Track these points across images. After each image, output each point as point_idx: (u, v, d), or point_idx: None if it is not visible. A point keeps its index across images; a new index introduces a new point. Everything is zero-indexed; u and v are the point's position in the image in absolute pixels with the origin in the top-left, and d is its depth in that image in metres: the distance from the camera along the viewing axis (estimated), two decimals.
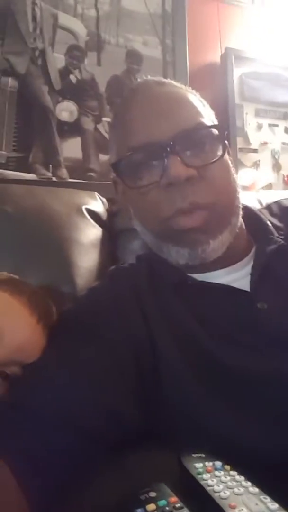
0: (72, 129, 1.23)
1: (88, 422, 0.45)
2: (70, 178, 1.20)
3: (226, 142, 0.56)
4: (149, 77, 0.61)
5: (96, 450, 0.46)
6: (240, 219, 0.59)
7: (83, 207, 0.82)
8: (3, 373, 0.51)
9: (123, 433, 0.47)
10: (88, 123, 1.25)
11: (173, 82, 0.60)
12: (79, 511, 0.42)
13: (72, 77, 1.27)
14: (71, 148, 1.22)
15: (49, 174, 1.18)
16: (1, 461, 0.40)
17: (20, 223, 0.74)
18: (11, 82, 1.19)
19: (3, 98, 1.17)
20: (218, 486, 0.38)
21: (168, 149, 0.52)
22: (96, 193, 0.90)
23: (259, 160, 1.52)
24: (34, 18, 1.23)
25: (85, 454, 0.45)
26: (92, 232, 0.80)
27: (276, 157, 1.55)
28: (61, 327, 0.56)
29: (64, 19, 1.28)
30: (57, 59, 1.25)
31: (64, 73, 1.26)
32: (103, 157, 1.24)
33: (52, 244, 0.74)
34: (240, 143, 1.49)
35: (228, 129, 1.39)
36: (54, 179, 1.19)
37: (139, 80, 0.62)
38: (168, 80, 0.61)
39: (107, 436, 0.46)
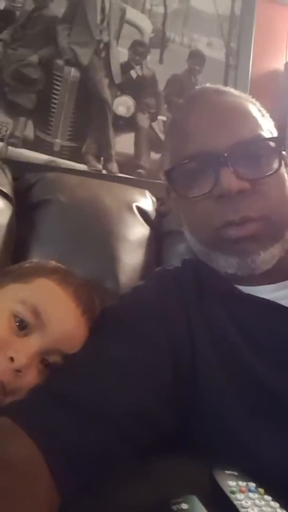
0: (127, 124, 1.23)
1: (121, 420, 0.45)
2: (120, 173, 1.20)
3: (283, 153, 0.55)
4: (208, 84, 0.60)
5: (126, 450, 0.46)
6: None
7: (134, 205, 0.82)
8: (44, 360, 0.52)
9: (153, 436, 0.47)
10: (143, 120, 1.25)
11: (232, 90, 0.59)
12: None
13: (133, 72, 1.27)
14: (123, 143, 1.22)
15: (100, 167, 1.19)
16: (34, 446, 0.41)
17: (72, 214, 0.74)
18: (73, 72, 1.21)
19: (64, 87, 1.19)
20: (253, 510, 0.37)
21: (222, 159, 0.50)
22: (147, 192, 0.89)
23: None
24: (103, 10, 1.24)
25: (115, 452, 0.45)
26: (140, 231, 0.80)
27: None
28: (105, 323, 0.56)
29: (132, 14, 1.28)
30: (120, 53, 1.26)
31: (126, 67, 1.26)
32: (155, 156, 1.23)
33: (100, 238, 0.74)
34: None
35: (286, 140, 1.36)
36: (104, 172, 1.19)
37: (197, 87, 0.61)
38: (227, 89, 0.59)
39: (138, 437, 0.46)
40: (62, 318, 0.52)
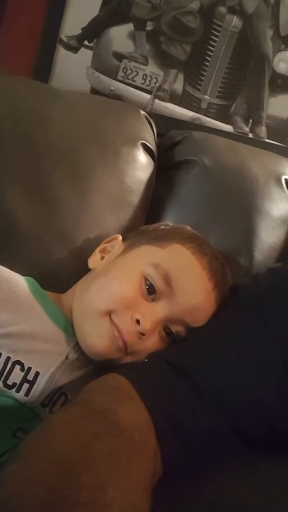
0: (286, 83, 1.10)
1: (238, 409, 0.43)
2: (269, 139, 1.10)
3: None
4: None
5: (238, 440, 0.43)
6: None
7: (283, 177, 0.73)
8: (167, 328, 0.51)
9: (269, 431, 0.44)
10: None
11: None
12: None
13: None
14: (278, 106, 1.10)
15: (247, 130, 1.10)
16: (147, 414, 0.40)
17: (215, 178, 0.70)
18: (235, 21, 1.10)
19: (223, 38, 1.10)
20: None
21: None
22: None
23: None
24: None
25: (226, 439, 0.43)
26: (285, 207, 0.72)
27: None
28: (236, 302, 0.52)
29: None
30: None
31: None
32: None
33: (241, 208, 0.69)
34: None
35: None
36: (250, 135, 1.10)
37: None
38: None
39: (253, 430, 0.44)
40: (193, 289, 0.50)
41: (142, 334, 0.48)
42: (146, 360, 0.47)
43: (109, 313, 0.49)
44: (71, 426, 0.37)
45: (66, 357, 0.50)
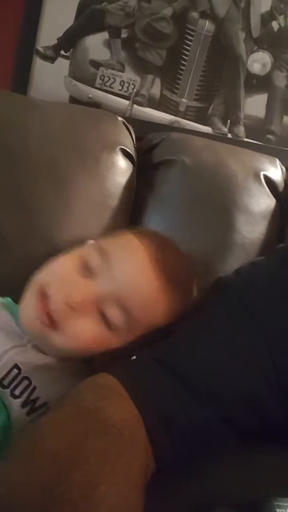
0: (260, 83, 1.12)
1: (228, 401, 0.43)
2: (247, 137, 1.11)
3: None
4: None
5: (230, 433, 0.44)
6: None
7: (261, 173, 0.75)
8: (101, 310, 0.47)
9: (261, 423, 0.44)
10: (280, 79, 1.13)
11: None
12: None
13: (274, 24, 1.14)
14: (254, 105, 1.12)
15: (225, 130, 1.12)
16: (136, 410, 0.40)
17: (195, 176, 0.71)
18: (207, 25, 1.12)
19: (196, 42, 1.12)
20: None
21: None
22: (277, 160, 0.81)
23: None
24: None
25: (218, 432, 0.43)
26: (265, 202, 0.74)
27: None
28: (220, 296, 0.52)
29: None
30: (263, 2, 1.13)
31: (267, 18, 1.13)
32: None
33: (221, 205, 0.70)
34: None
35: None
36: (229, 135, 1.12)
37: None
38: None
39: (244, 422, 0.44)
40: (132, 270, 0.48)
41: (72, 308, 0.46)
42: (134, 358, 0.46)
43: (44, 287, 0.48)
44: (61, 426, 0.37)
45: (26, 343, 0.50)
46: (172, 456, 0.41)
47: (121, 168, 0.75)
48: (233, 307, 0.50)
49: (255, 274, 0.55)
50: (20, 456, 0.35)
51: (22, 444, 0.36)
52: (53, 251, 0.64)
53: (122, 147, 0.76)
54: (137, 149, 0.80)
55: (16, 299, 0.52)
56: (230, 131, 1.12)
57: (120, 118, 0.80)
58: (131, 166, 0.77)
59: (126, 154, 0.77)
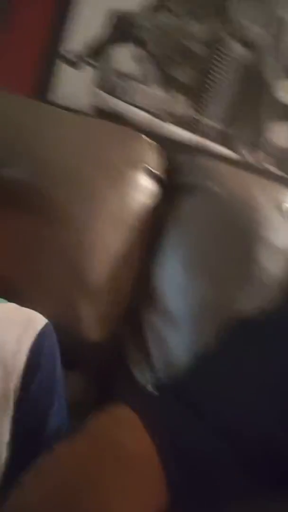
0: (286, 112, 1.12)
1: (242, 437, 0.42)
2: (274, 167, 1.10)
3: None
4: None
5: (240, 474, 0.42)
6: None
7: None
8: None
9: (273, 463, 0.42)
10: None
11: None
12: None
13: None
14: (282, 135, 1.11)
15: (250, 158, 1.11)
16: (153, 446, 0.39)
17: (221, 206, 0.70)
18: (240, 50, 1.12)
19: (227, 66, 1.11)
20: None
21: None
22: None
23: None
24: None
25: (231, 473, 0.41)
26: None
27: None
28: (240, 329, 0.52)
29: None
30: None
31: None
32: None
33: (245, 237, 0.69)
34: None
35: None
36: (253, 163, 1.10)
37: None
38: None
39: (257, 463, 0.42)
40: None
41: None
42: (155, 394, 0.47)
43: None
44: (76, 455, 0.37)
45: None
46: (185, 492, 0.40)
47: (144, 187, 0.74)
48: (255, 349, 0.49)
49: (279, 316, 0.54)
50: (31, 483, 0.35)
51: (34, 471, 0.37)
52: (69, 264, 0.63)
53: (146, 165, 0.75)
54: (161, 169, 0.78)
55: None
56: (255, 159, 1.11)
57: (144, 137, 0.79)
58: (154, 185, 0.76)
59: (150, 173, 0.76)
